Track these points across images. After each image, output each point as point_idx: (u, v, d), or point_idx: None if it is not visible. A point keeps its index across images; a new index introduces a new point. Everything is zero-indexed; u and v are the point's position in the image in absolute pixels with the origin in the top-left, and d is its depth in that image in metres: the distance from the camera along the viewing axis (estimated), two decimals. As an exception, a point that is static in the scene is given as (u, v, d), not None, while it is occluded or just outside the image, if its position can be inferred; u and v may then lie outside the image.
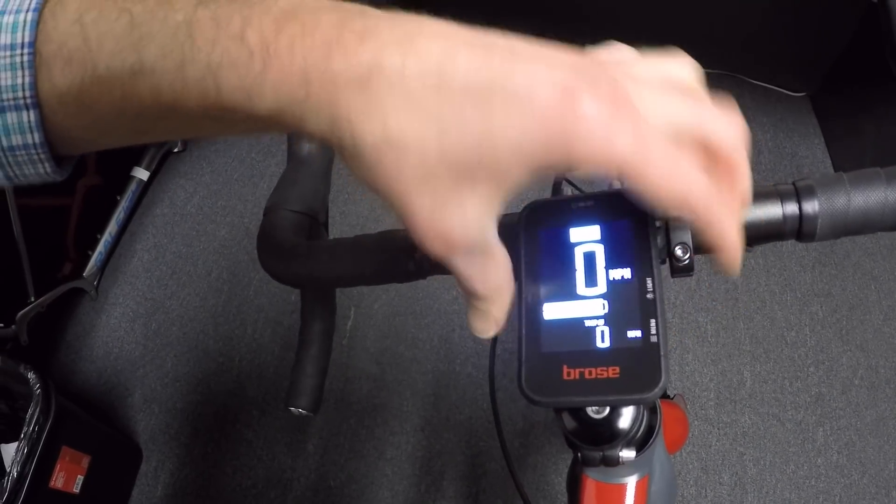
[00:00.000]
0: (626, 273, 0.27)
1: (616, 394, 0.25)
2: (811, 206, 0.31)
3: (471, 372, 1.41)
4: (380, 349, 1.44)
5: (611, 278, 0.28)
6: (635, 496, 0.34)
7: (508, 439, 1.33)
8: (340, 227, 1.61)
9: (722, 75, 1.95)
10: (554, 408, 0.27)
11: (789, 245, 1.63)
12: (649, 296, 0.26)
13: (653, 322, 0.26)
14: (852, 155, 1.75)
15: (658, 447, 0.36)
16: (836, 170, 1.79)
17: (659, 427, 0.33)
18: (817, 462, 1.33)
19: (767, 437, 1.36)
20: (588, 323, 0.27)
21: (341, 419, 1.36)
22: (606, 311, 0.27)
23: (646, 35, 1.90)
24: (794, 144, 1.83)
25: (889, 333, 1.50)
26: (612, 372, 0.25)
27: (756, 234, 0.32)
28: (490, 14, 2.01)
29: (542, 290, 0.29)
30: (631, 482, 0.34)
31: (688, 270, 0.32)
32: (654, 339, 0.25)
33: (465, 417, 1.35)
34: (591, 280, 0.28)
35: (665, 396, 0.89)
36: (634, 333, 0.26)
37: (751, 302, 1.53)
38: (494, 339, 0.31)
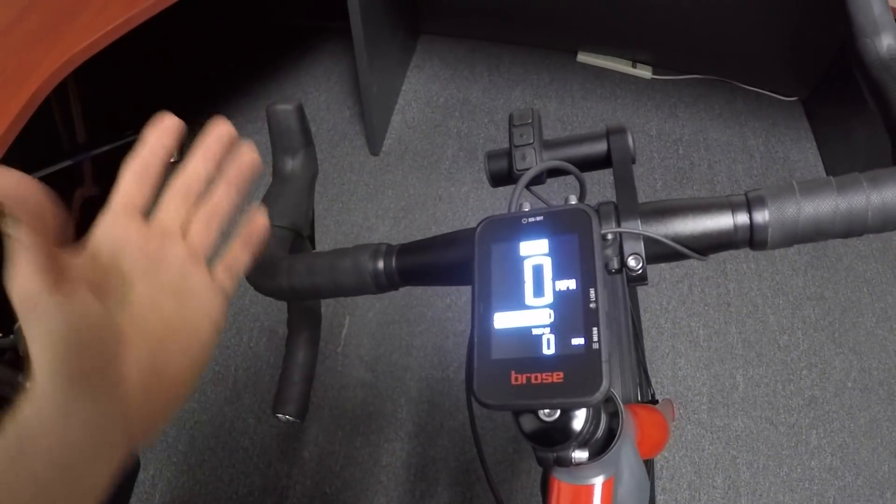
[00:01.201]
0: (571, 284, 0.29)
1: (560, 397, 0.27)
2: (761, 216, 0.33)
3: (464, 379, 1.42)
4: (374, 357, 1.45)
5: (557, 289, 0.29)
6: (601, 498, 0.35)
7: (501, 445, 1.35)
8: (335, 235, 1.62)
9: (714, 81, 1.97)
10: (503, 411, 0.28)
11: (780, 249, 1.64)
12: (592, 305, 0.28)
13: (595, 330, 0.27)
14: (844, 158, 1.76)
15: (625, 450, 0.37)
16: (827, 173, 1.80)
17: (622, 430, 0.34)
18: (811, 465, 1.34)
19: (761, 440, 1.36)
20: (535, 331, 0.28)
21: (336, 427, 1.37)
22: (552, 320, 0.28)
23: (638, 42, 1.93)
24: (787, 149, 1.85)
25: (882, 336, 1.50)
26: (557, 377, 0.27)
27: (709, 244, 0.34)
28: (486, 26, 2.01)
29: (494, 301, 0.30)
30: (597, 483, 0.35)
31: (641, 280, 0.33)
32: (595, 346, 0.27)
33: (459, 424, 1.36)
34: (538, 291, 0.29)
35: (653, 401, 0.89)
36: (578, 341, 0.27)
37: (743, 306, 1.54)
38: (470, 350, 0.32)
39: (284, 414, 0.54)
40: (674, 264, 1.58)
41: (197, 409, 1.40)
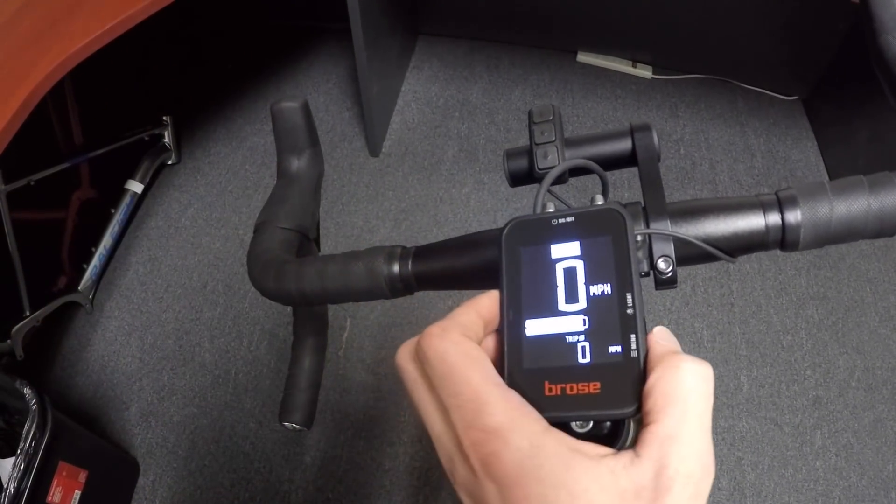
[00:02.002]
0: (606, 288, 0.27)
1: (597, 409, 0.25)
2: (794, 216, 0.31)
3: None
4: (376, 360, 1.44)
5: (591, 294, 0.27)
6: None
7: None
8: (336, 238, 1.61)
9: (715, 80, 1.97)
10: None
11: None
12: (629, 311, 0.26)
13: (633, 337, 0.26)
14: (845, 158, 1.76)
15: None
16: (829, 173, 1.80)
17: None
18: (816, 465, 1.33)
19: (765, 441, 1.35)
20: (569, 339, 0.27)
21: (338, 431, 1.36)
22: (587, 326, 0.27)
23: (638, 42, 1.92)
24: (788, 148, 1.84)
25: (885, 335, 1.50)
26: (594, 387, 0.25)
27: (739, 245, 0.32)
28: (485, 26, 2.00)
29: (525, 307, 0.28)
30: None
31: (671, 283, 0.32)
32: (633, 354, 0.25)
33: (463, 426, 1.35)
34: (571, 296, 0.28)
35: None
36: (615, 349, 0.26)
37: (746, 307, 1.53)
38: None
39: (291, 422, 0.53)
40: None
41: (197, 414, 1.39)
